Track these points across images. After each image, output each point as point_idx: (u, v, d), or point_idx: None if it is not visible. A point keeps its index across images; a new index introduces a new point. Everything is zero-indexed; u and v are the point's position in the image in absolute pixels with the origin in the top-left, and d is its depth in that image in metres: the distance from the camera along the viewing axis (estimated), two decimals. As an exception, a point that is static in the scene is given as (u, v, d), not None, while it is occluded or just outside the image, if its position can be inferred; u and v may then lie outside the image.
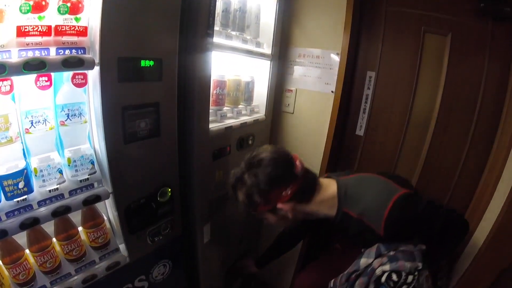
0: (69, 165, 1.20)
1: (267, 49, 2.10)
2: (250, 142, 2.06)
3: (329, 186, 1.42)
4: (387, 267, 1.29)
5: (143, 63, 1.25)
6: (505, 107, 1.76)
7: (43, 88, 1.09)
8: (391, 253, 1.32)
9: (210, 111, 1.69)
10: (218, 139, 1.76)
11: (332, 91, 2.13)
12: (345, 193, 1.37)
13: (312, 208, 1.40)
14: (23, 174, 1.07)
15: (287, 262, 2.70)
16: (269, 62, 2.13)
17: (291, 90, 2.30)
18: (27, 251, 1.19)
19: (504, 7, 1.66)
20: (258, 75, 2.18)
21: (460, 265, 1.71)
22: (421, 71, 1.98)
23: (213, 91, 1.76)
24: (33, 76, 1.05)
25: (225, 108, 1.91)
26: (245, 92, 2.06)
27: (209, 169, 1.76)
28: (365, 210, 1.31)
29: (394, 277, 1.26)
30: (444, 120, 1.94)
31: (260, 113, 2.22)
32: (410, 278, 1.25)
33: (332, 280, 1.52)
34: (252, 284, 2.98)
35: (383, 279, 1.29)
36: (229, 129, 1.81)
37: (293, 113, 2.33)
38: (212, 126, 1.70)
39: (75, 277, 1.29)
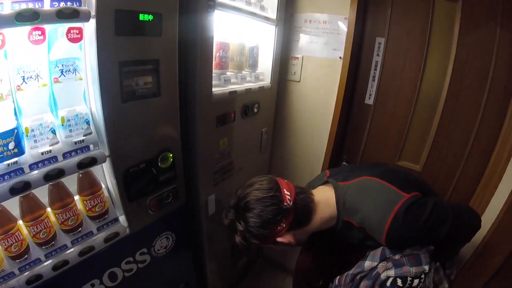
0: (62, 125, 1.11)
1: (272, 14, 1.99)
2: (255, 110, 1.98)
3: (327, 199, 1.35)
4: (392, 273, 1.25)
5: (142, 16, 1.15)
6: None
7: (36, 42, 1.00)
8: (397, 257, 1.28)
9: (213, 74, 1.60)
10: (222, 104, 1.68)
11: (340, 57, 2.03)
12: (344, 203, 1.31)
13: (313, 227, 1.35)
14: (14, 134, 0.98)
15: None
16: (274, 27, 2.03)
17: (297, 58, 2.20)
18: (20, 222, 1.11)
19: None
20: (263, 42, 2.08)
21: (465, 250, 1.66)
22: (431, 39, 1.87)
23: (216, 53, 1.67)
24: (26, 30, 0.96)
25: (228, 73, 1.82)
26: (250, 58, 1.97)
27: (213, 136, 1.68)
28: (364, 221, 1.26)
29: (399, 282, 1.23)
30: (456, 88, 1.84)
31: (266, 81, 2.12)
32: (415, 282, 1.22)
33: (337, 278, 1.49)
34: (258, 260, 2.96)
35: (388, 283, 1.26)
36: (233, 93, 1.72)
37: (299, 81, 2.24)
38: (216, 90, 1.61)
39: (71, 249, 1.22)
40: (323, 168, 2.29)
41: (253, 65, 2.01)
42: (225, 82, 1.74)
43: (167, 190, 1.50)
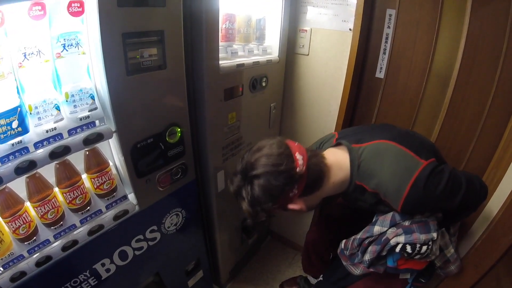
0: (67, 101, 1.08)
1: (279, -17, 1.92)
2: (263, 83, 1.93)
3: (339, 163, 1.29)
4: (401, 239, 1.26)
5: (145, -15, 1.10)
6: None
7: (36, 18, 0.96)
8: (406, 223, 1.29)
9: (220, 47, 1.55)
10: (230, 77, 1.64)
11: (350, 29, 1.95)
12: (358, 166, 1.25)
13: (325, 192, 1.30)
14: (17, 112, 0.95)
15: (302, 217, 2.67)
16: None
17: (306, 30, 2.12)
18: (27, 203, 1.10)
19: None
20: (270, 14, 2.01)
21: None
22: (443, 10, 1.78)
23: (222, 25, 1.62)
24: (26, 6, 0.92)
25: (235, 45, 1.77)
26: (257, 30, 1.91)
27: (221, 109, 1.65)
28: (381, 187, 1.21)
29: (409, 248, 1.25)
30: (469, 62, 1.76)
31: (273, 54, 2.07)
32: (424, 248, 1.25)
33: (343, 242, 1.48)
34: (268, 238, 2.97)
35: (397, 249, 1.28)
36: (241, 66, 1.67)
37: (308, 54, 2.17)
38: (223, 62, 1.57)
39: (80, 229, 1.21)
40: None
41: (261, 38, 1.96)
42: (232, 55, 1.69)
43: (176, 165, 1.48)
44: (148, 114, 1.28)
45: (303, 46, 2.15)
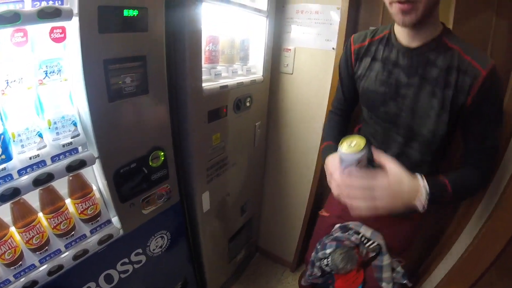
0: (49, 128, 1.08)
1: (263, 5, 1.95)
2: (248, 103, 1.95)
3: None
4: None
5: (127, 12, 1.12)
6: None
7: (19, 44, 0.97)
8: None
9: (203, 69, 1.57)
10: (213, 99, 1.65)
11: (333, 48, 1.99)
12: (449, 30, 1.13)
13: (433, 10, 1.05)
14: (0, 140, 0.96)
15: (290, 233, 2.68)
16: (265, 19, 1.99)
17: (290, 49, 2.15)
18: (12, 228, 1.09)
19: None
20: (255, 34, 2.05)
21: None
22: None
23: (205, 47, 1.64)
24: (8, 32, 0.93)
25: (219, 67, 1.79)
26: (241, 50, 1.93)
27: (205, 131, 1.66)
28: (468, 50, 1.06)
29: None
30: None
31: (258, 74, 2.09)
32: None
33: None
34: (256, 254, 2.96)
35: None
36: (224, 88, 1.68)
37: (292, 73, 2.20)
38: (206, 84, 1.58)
39: (65, 254, 1.20)
40: (318, 160, 2.27)
41: (245, 58, 1.98)
42: (215, 76, 1.71)
43: (160, 189, 1.48)
44: (131, 139, 1.29)
45: (287, 65, 2.18)
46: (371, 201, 0.92)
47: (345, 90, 1.46)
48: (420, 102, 1.13)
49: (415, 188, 0.95)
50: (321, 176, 2.29)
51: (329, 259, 1.44)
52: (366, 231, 1.41)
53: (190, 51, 1.43)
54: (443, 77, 1.08)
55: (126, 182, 1.31)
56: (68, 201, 1.23)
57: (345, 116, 1.59)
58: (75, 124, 1.13)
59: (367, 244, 1.39)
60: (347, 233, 1.44)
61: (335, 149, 1.08)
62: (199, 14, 1.42)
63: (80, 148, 1.17)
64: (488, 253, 1.41)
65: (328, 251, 1.40)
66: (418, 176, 0.98)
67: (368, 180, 0.93)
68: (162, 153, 1.43)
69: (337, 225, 1.51)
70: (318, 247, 1.51)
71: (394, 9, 1.01)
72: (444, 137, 1.13)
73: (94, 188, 1.31)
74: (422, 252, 2.09)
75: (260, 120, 2.20)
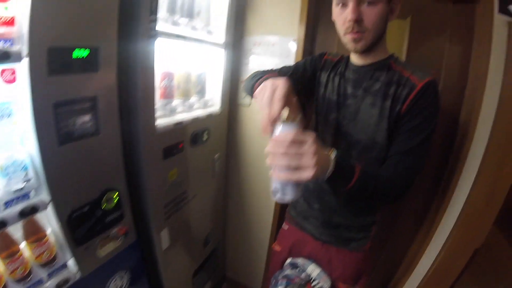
0: (1, 172, 1.06)
1: (220, 38, 1.99)
2: (205, 137, 1.95)
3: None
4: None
5: (77, 52, 1.12)
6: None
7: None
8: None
9: (159, 104, 1.57)
10: (168, 136, 1.64)
11: (289, 80, 2.03)
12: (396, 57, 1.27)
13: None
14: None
15: (257, 261, 2.66)
16: (222, 51, 2.03)
17: (247, 81, 2.18)
18: None
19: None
20: (212, 66, 2.07)
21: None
22: None
23: (160, 82, 1.64)
24: None
25: (174, 102, 1.79)
26: (198, 84, 1.94)
27: (160, 168, 1.64)
28: (411, 68, 1.19)
29: None
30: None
31: (215, 106, 2.11)
32: None
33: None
34: (224, 285, 2.92)
35: None
36: (179, 124, 1.68)
37: (250, 105, 2.23)
38: (161, 121, 1.58)
39: None
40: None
41: (202, 91, 1.99)
42: (171, 112, 1.71)
43: (115, 229, 1.45)
44: (82, 182, 1.26)
45: (245, 97, 2.21)
46: (298, 160, 0.91)
47: (294, 77, 1.39)
48: (361, 111, 1.25)
49: (327, 154, 0.97)
50: (282, 205, 2.28)
51: None
52: (313, 271, 1.44)
53: (143, 88, 1.42)
54: (383, 90, 1.20)
55: (80, 225, 1.28)
56: (23, 244, 1.20)
57: None
58: (26, 169, 1.11)
59: (313, 284, 1.41)
60: (297, 270, 1.46)
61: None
62: (153, 50, 1.43)
63: (32, 193, 1.15)
64: (453, 269, 1.46)
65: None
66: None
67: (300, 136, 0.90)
68: (116, 194, 1.41)
69: (288, 261, 1.53)
70: (273, 282, 1.51)
71: (347, 39, 1.17)
72: (383, 146, 1.21)
73: (49, 231, 1.28)
74: (385, 273, 2.12)
75: (219, 152, 2.21)
